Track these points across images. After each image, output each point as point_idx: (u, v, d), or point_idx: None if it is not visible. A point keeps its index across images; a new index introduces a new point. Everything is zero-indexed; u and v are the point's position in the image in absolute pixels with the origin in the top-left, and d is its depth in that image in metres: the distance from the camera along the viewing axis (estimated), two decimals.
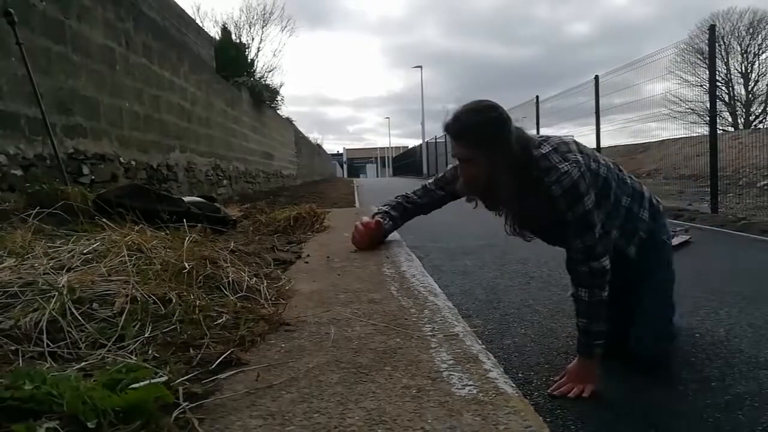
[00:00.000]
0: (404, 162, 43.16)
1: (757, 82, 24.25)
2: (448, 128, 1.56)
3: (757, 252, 4.20)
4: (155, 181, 5.63)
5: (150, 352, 0.79)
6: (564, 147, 1.59)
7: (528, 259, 3.44)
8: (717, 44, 10.30)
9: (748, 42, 24.40)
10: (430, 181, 1.97)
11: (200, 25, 10.36)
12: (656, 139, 11.85)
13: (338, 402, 0.66)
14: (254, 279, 1.19)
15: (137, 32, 5.49)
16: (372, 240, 1.85)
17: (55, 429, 0.55)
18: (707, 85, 7.52)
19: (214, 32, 14.14)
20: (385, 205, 1.91)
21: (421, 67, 36.42)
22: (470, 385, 0.69)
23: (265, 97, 12.62)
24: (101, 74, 4.65)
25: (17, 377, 0.62)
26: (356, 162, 69.84)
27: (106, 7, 4.80)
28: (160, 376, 0.68)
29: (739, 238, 4.82)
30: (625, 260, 1.70)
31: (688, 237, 4.49)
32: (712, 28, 7.29)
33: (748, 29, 24.17)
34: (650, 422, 1.44)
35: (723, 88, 23.36)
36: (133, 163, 5.19)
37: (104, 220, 1.38)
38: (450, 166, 1.93)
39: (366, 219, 1.87)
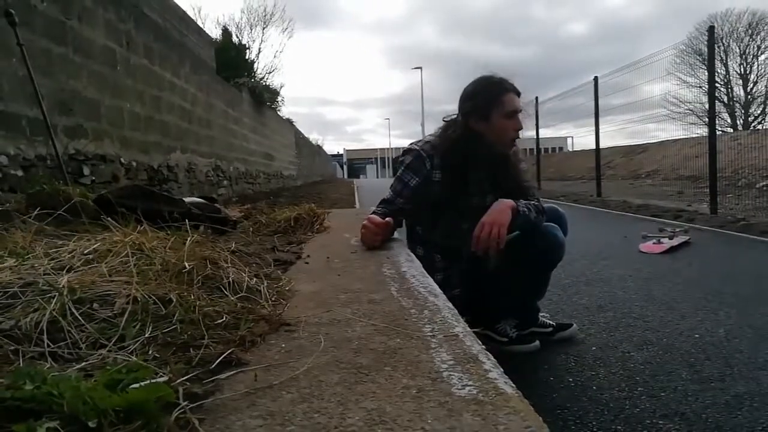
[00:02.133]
0: None
1: (755, 83, 24.32)
2: (514, 86, 1.88)
3: (757, 253, 4.20)
4: (156, 181, 5.63)
5: (150, 352, 0.79)
6: None
7: None
8: (716, 45, 10.29)
9: (746, 43, 24.46)
10: (387, 194, 1.93)
11: (201, 26, 10.37)
12: (655, 140, 11.89)
13: (338, 402, 0.65)
14: (254, 279, 1.19)
15: (138, 33, 5.50)
16: (382, 237, 1.82)
17: (56, 429, 0.54)
18: (706, 86, 7.51)
19: (215, 33, 14.15)
20: (374, 214, 1.89)
21: (421, 68, 36.50)
22: (470, 386, 0.69)
23: (265, 98, 12.61)
24: (102, 75, 4.65)
25: (18, 377, 0.62)
26: (356, 163, 69.74)
27: (107, 8, 4.80)
28: (161, 376, 0.67)
29: (738, 239, 4.83)
30: None
31: (688, 237, 4.49)
32: (711, 30, 7.29)
33: (747, 30, 24.22)
34: (650, 423, 1.44)
35: (722, 89, 23.39)
36: (134, 163, 5.19)
37: (105, 220, 1.38)
38: (412, 180, 1.89)
39: (374, 216, 1.83)
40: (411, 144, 1.99)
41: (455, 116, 1.95)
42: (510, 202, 1.80)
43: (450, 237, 1.92)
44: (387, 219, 1.79)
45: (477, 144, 1.85)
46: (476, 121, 1.85)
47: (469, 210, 1.89)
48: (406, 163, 1.92)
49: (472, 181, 1.89)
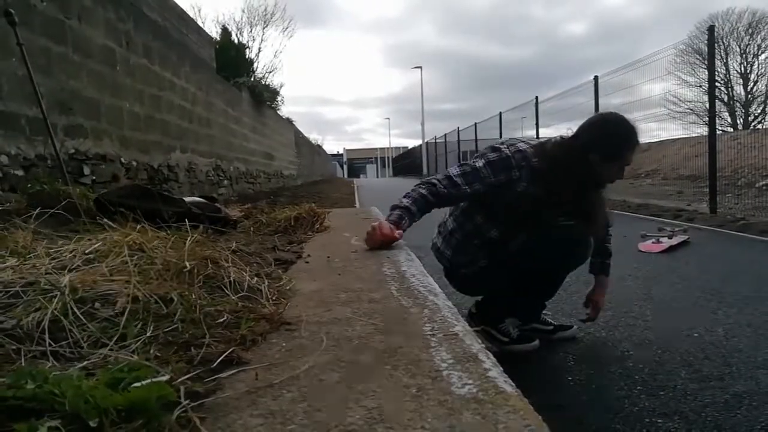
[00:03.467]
0: (404, 162, 43.18)
1: (756, 82, 24.29)
2: (639, 139, 1.93)
3: (756, 252, 4.21)
4: (156, 181, 5.64)
5: (152, 351, 0.79)
6: None
7: None
8: (716, 45, 10.29)
9: (747, 42, 24.42)
10: (455, 173, 1.86)
11: (201, 25, 10.36)
12: (655, 140, 11.86)
13: (339, 401, 0.66)
14: (255, 279, 1.20)
15: (138, 33, 5.49)
16: (385, 245, 1.80)
17: (57, 428, 0.55)
18: (706, 85, 7.51)
19: (215, 32, 14.12)
20: (407, 197, 1.83)
21: (420, 67, 36.41)
22: (470, 384, 0.69)
23: (265, 97, 12.61)
24: (102, 75, 4.65)
25: (19, 376, 0.62)
26: (356, 162, 69.73)
27: (106, 7, 4.80)
28: (162, 375, 0.68)
29: (737, 239, 4.83)
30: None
31: (687, 237, 4.49)
32: (711, 29, 7.29)
33: (747, 30, 24.18)
34: (650, 422, 1.44)
35: (722, 88, 23.36)
36: (134, 163, 5.19)
37: (106, 220, 1.39)
38: (490, 178, 1.84)
39: (384, 224, 1.77)
40: (502, 145, 1.91)
41: (569, 138, 1.94)
42: (607, 283, 2.19)
43: (521, 253, 1.93)
44: (398, 232, 1.75)
45: (589, 173, 1.90)
46: (596, 156, 1.86)
47: (545, 226, 1.90)
48: (491, 159, 1.86)
49: (564, 204, 1.90)
